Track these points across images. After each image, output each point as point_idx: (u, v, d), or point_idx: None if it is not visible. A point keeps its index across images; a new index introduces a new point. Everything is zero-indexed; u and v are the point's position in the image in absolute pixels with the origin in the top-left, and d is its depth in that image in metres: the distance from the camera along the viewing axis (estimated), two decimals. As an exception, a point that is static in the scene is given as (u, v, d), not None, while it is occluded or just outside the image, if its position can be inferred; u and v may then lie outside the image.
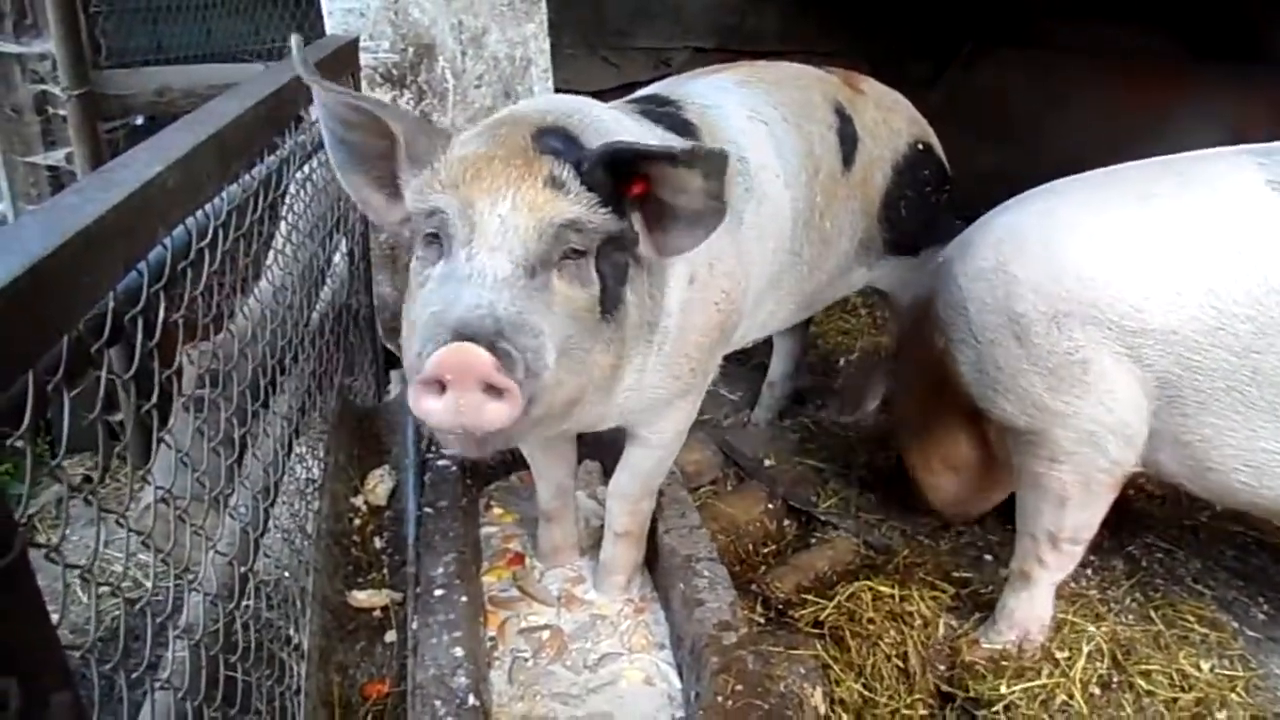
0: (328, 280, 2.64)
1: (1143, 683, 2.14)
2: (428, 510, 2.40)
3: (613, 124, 1.83)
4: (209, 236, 1.30)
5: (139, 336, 1.06)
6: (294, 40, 1.66)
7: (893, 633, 2.30)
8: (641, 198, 1.61)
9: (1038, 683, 2.13)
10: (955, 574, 2.57)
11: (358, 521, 2.57)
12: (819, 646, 2.23)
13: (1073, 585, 2.47)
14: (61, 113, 3.04)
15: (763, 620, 2.43)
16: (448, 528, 2.34)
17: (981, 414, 2.20)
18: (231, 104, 1.49)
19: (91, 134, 3.03)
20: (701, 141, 2.00)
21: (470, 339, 1.34)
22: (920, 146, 2.79)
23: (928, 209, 2.81)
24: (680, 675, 2.14)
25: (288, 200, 2.03)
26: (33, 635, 0.77)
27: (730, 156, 1.52)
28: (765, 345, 3.32)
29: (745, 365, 3.70)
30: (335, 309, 2.60)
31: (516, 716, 2.02)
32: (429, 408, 1.36)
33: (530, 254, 1.47)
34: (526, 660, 2.18)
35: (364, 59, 2.59)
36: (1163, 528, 2.80)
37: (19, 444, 0.79)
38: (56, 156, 3.11)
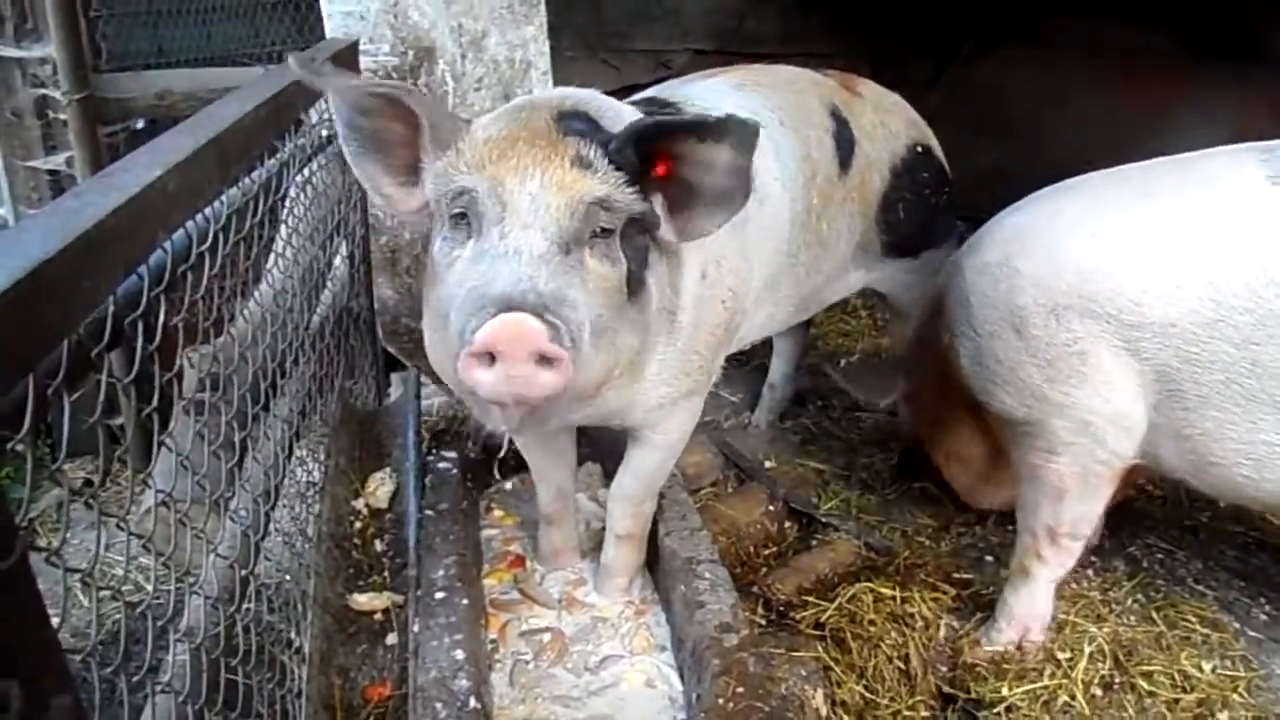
0: (328, 283, 2.64)
1: (1144, 684, 2.14)
2: (428, 513, 2.40)
3: (626, 111, 1.85)
4: (209, 240, 1.30)
5: (139, 340, 1.06)
6: (291, 59, 1.67)
7: (894, 634, 2.30)
8: (664, 180, 1.62)
9: (1040, 684, 2.13)
10: (956, 575, 2.57)
11: (358, 524, 2.57)
12: (820, 648, 2.23)
13: (1074, 586, 2.47)
14: (62, 117, 3.04)
15: (764, 622, 2.43)
16: (449, 530, 2.34)
17: (981, 407, 2.21)
18: (232, 107, 1.49)
19: (92, 138, 3.03)
20: None
21: (517, 311, 1.37)
22: (919, 149, 2.79)
23: (926, 211, 2.80)
24: (681, 677, 2.14)
25: (288, 203, 2.03)
26: (33, 638, 0.77)
27: (759, 129, 1.53)
28: (765, 347, 3.33)
29: (745, 367, 3.71)
30: (336, 312, 2.61)
31: (518, 719, 2.02)
32: (480, 379, 1.37)
33: (564, 231, 1.49)
34: (528, 663, 2.18)
35: (364, 62, 2.58)
36: (1163, 528, 2.79)
37: (20, 448, 0.79)
38: (57, 160, 3.11)
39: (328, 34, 2.66)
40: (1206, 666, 2.20)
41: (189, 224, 1.22)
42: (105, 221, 0.89)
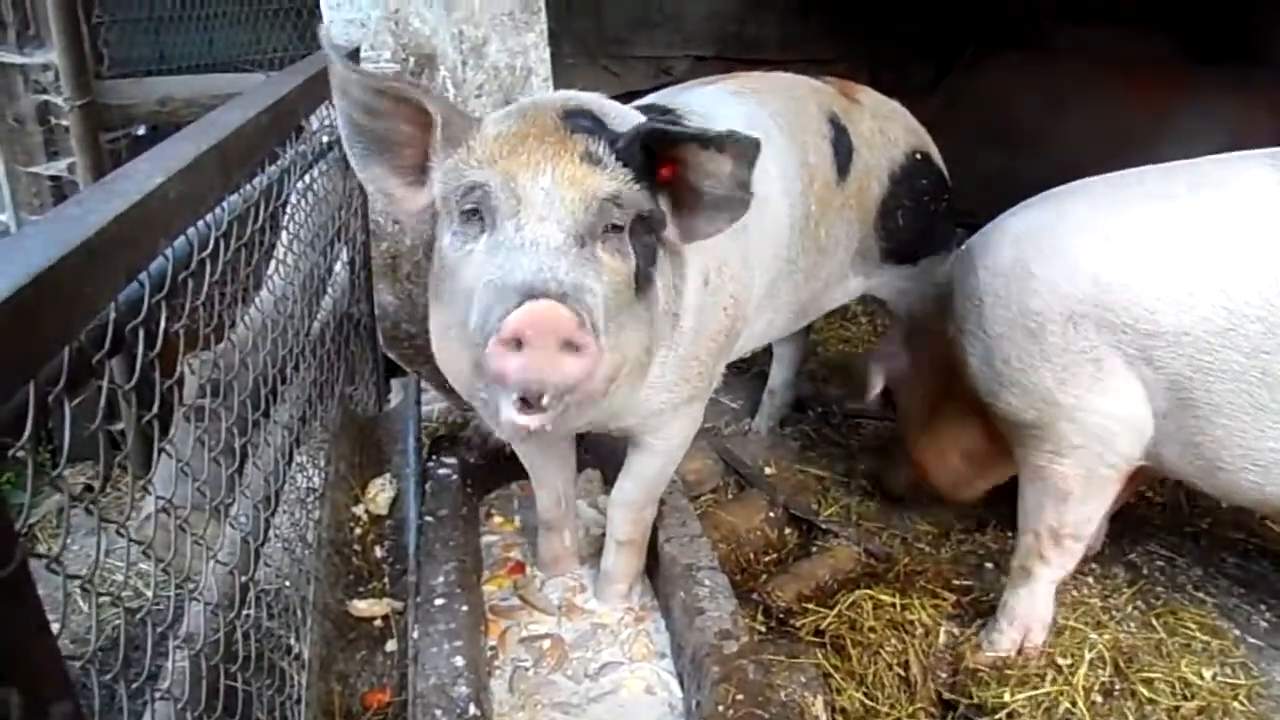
0: (329, 289, 2.64)
1: (1145, 691, 2.13)
2: (428, 519, 2.40)
3: (629, 113, 1.87)
4: (210, 247, 1.30)
5: (140, 347, 1.06)
6: (322, 31, 1.69)
7: (894, 641, 2.30)
8: (670, 181, 1.64)
9: (1042, 690, 2.13)
10: (956, 582, 2.57)
11: (358, 530, 2.57)
12: (820, 655, 2.23)
13: (1074, 593, 2.47)
14: (64, 123, 3.04)
15: (764, 629, 2.43)
16: (448, 536, 2.34)
17: (984, 405, 2.21)
18: (233, 114, 1.49)
19: (94, 144, 3.03)
20: None
21: (543, 298, 1.37)
22: (918, 156, 2.79)
23: (925, 218, 2.81)
24: (681, 684, 2.14)
25: (289, 210, 2.03)
26: (33, 645, 0.77)
27: (761, 145, 1.55)
28: (765, 353, 3.33)
29: (745, 373, 3.71)
30: (336, 318, 2.61)
31: (517, 725, 2.02)
32: (508, 366, 1.37)
33: (579, 225, 1.50)
34: (527, 669, 2.18)
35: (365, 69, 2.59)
36: (1164, 535, 2.79)
37: (20, 454, 0.79)
38: (59, 167, 3.11)
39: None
40: (1207, 673, 2.20)
41: (190, 230, 1.22)
42: (107, 228, 0.89)
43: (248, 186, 1.64)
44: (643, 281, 1.66)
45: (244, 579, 1.54)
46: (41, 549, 2.33)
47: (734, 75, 2.62)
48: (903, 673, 2.24)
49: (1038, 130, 4.59)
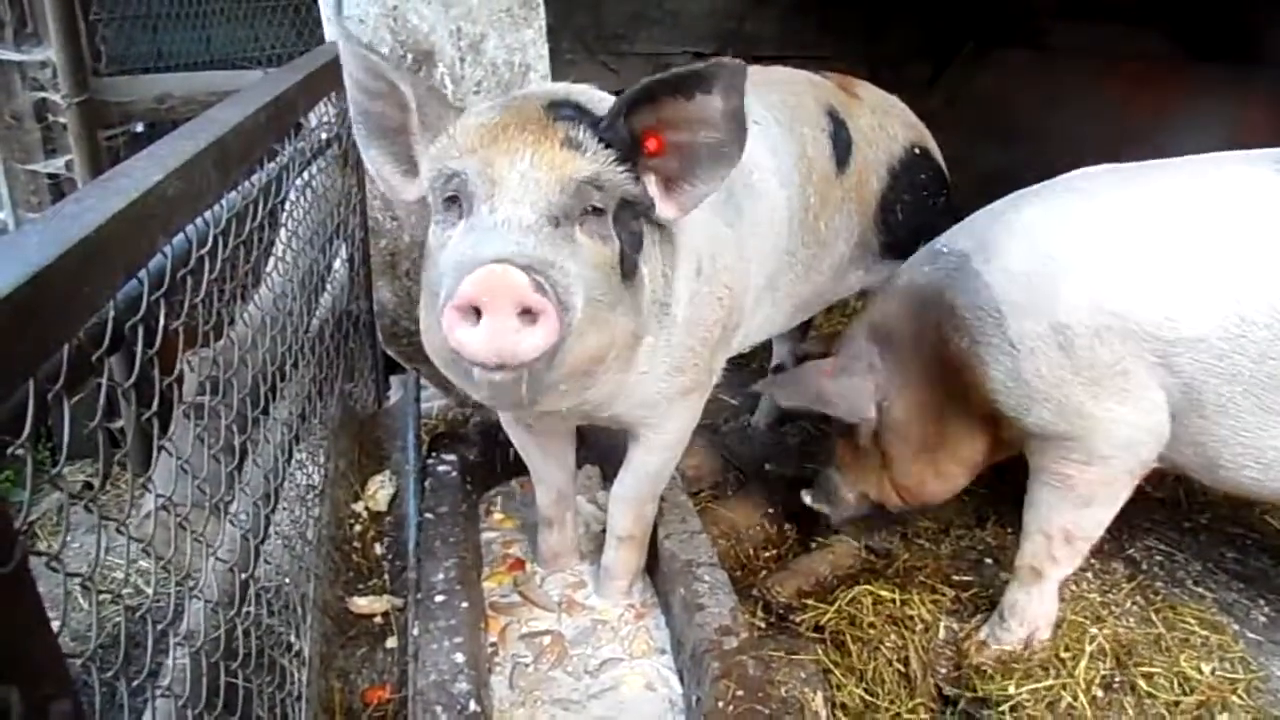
0: (328, 286, 2.64)
1: (1145, 685, 2.14)
2: (428, 516, 2.40)
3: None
4: (209, 244, 1.30)
5: (139, 344, 1.06)
6: (329, 25, 1.70)
7: (894, 636, 2.30)
8: (657, 155, 1.63)
9: (1045, 683, 2.13)
10: (955, 577, 2.57)
11: (358, 527, 2.57)
12: (820, 651, 2.23)
13: (1074, 588, 2.47)
14: (62, 120, 3.04)
15: (764, 625, 2.43)
16: (448, 533, 2.34)
17: (1001, 418, 2.14)
18: (232, 111, 1.49)
19: (92, 141, 3.03)
20: None
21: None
22: (917, 151, 2.80)
23: (925, 213, 2.81)
24: (681, 680, 2.14)
25: (288, 207, 2.03)
26: (34, 643, 0.77)
27: (746, 68, 1.52)
28: (765, 350, 3.33)
29: (745, 369, 3.70)
30: (335, 315, 2.61)
31: (517, 722, 2.02)
32: (463, 338, 1.35)
33: (553, 205, 1.49)
34: (527, 666, 2.18)
35: (363, 66, 2.59)
36: (1163, 530, 2.79)
37: (20, 452, 0.79)
38: (57, 164, 3.12)
39: (327, 38, 2.67)
40: (1206, 668, 2.20)
41: (189, 228, 1.22)
42: (105, 226, 0.89)
43: (246, 184, 1.64)
44: (628, 265, 1.65)
45: (244, 576, 1.54)
46: (41, 547, 2.33)
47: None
48: (902, 668, 2.25)
49: (1036, 128, 4.58)
